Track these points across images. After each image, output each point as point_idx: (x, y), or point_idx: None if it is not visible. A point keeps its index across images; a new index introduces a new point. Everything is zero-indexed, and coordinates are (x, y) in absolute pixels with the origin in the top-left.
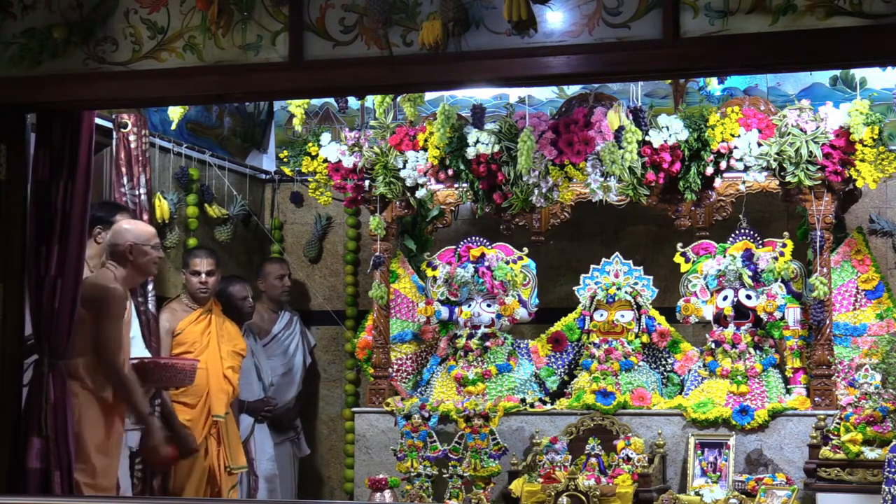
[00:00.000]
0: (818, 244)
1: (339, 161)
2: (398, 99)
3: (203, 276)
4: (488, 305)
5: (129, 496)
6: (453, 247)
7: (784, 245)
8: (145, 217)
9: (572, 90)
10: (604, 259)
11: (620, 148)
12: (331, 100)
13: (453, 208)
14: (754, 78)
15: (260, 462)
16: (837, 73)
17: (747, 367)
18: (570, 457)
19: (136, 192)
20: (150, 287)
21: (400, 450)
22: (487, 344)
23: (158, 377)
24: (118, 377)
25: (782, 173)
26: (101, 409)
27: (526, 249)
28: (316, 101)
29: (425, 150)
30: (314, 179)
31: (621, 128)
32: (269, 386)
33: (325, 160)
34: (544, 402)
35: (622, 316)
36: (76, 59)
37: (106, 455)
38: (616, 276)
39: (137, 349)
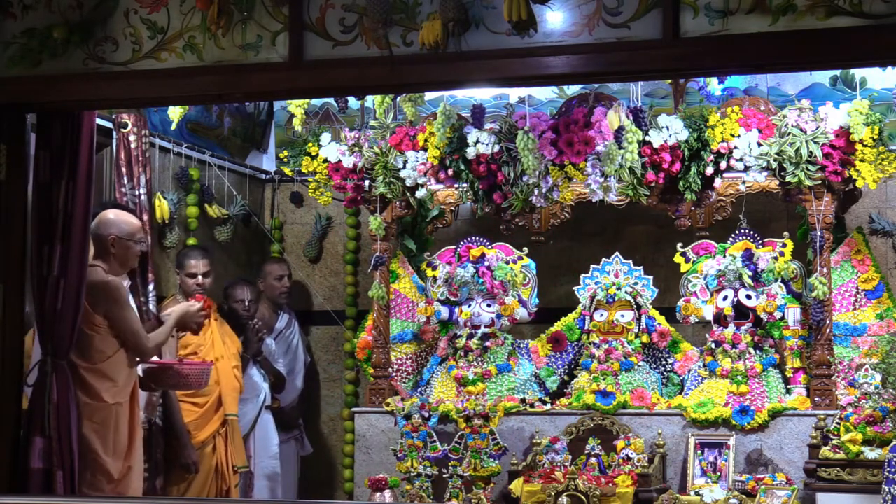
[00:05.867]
0: (818, 244)
1: (339, 161)
2: (398, 99)
3: (200, 278)
4: (488, 305)
5: (131, 496)
6: (453, 247)
7: (784, 245)
8: (145, 217)
9: (572, 90)
10: (604, 259)
11: (620, 148)
12: (331, 100)
13: (453, 208)
14: (754, 78)
15: (261, 460)
16: (837, 73)
17: (747, 367)
18: (570, 457)
19: (137, 192)
20: (150, 287)
21: (400, 450)
22: (487, 344)
23: (175, 381)
24: (155, 351)
25: (782, 173)
26: (128, 411)
27: (526, 249)
28: (316, 101)
29: (425, 150)
30: (314, 179)
31: (621, 128)
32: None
33: (325, 160)
34: (544, 402)
35: (622, 316)
36: (76, 59)
37: (132, 457)
38: (616, 276)
39: None
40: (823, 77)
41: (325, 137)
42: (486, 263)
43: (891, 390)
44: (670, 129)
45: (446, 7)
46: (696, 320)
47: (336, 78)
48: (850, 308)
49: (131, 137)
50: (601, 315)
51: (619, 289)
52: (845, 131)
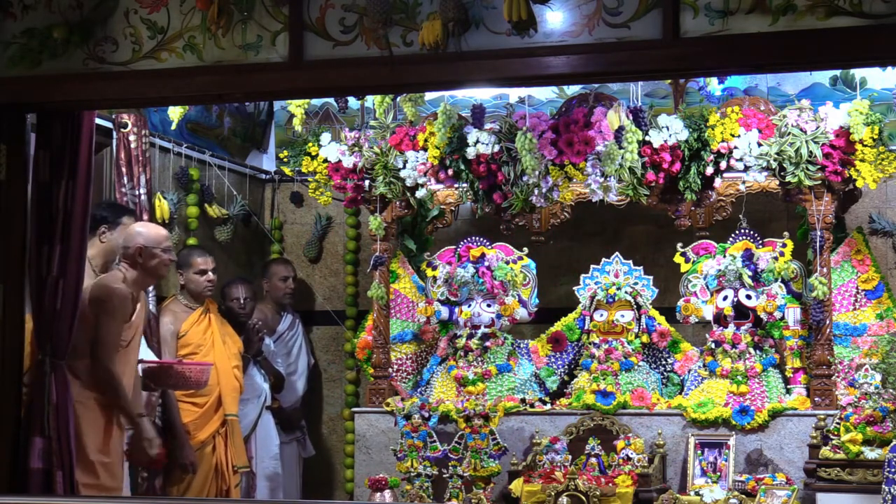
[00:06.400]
0: (818, 244)
1: (339, 161)
2: (398, 99)
3: (210, 273)
4: (488, 305)
5: (130, 496)
6: (453, 247)
7: (784, 245)
8: (145, 217)
9: (572, 90)
10: (604, 259)
11: (620, 148)
12: (331, 100)
13: (453, 208)
14: (754, 78)
15: (262, 460)
16: (837, 73)
17: (747, 367)
18: (570, 457)
19: (137, 192)
20: (150, 287)
21: (400, 450)
22: (487, 344)
23: (175, 381)
24: (109, 378)
25: (782, 173)
26: (102, 410)
27: (526, 249)
28: (316, 101)
29: (425, 150)
30: (314, 179)
31: (621, 128)
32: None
33: (325, 160)
34: (544, 402)
35: (622, 316)
36: (76, 59)
37: (108, 455)
38: (616, 276)
39: (141, 351)
40: (823, 77)
41: (325, 137)
42: (486, 263)
43: (891, 390)
44: (670, 129)
45: (446, 7)
46: (696, 320)
47: (336, 78)
48: (850, 308)
49: (131, 137)
50: (601, 315)
51: (619, 289)
52: (845, 131)
